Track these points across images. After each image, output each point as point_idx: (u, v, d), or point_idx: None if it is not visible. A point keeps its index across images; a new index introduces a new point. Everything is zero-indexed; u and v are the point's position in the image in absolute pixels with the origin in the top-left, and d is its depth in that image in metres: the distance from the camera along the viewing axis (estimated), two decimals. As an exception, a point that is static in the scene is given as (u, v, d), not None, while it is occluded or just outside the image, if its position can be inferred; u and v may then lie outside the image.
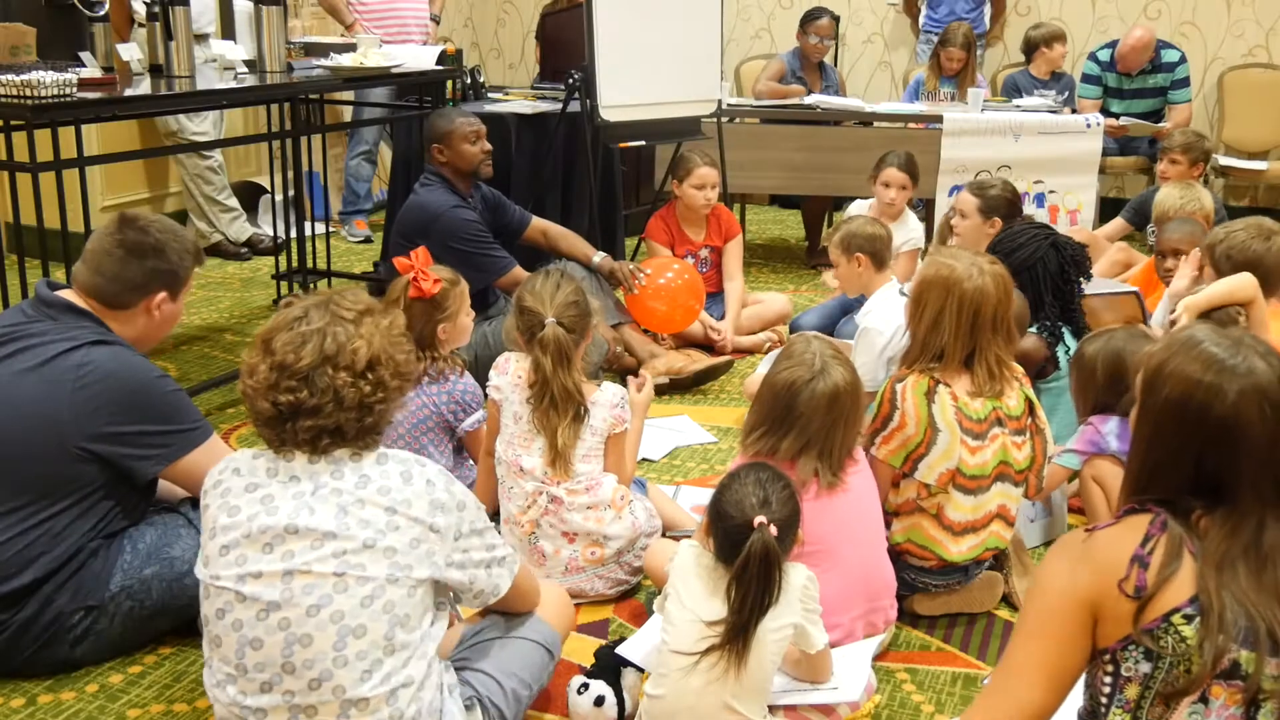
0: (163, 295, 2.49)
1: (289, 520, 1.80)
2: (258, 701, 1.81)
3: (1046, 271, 3.28)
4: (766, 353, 4.55)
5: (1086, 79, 6.57)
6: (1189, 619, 1.51)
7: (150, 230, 2.49)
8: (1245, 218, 3.46)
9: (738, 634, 2.05)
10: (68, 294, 2.46)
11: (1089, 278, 3.43)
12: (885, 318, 3.52)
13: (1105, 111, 6.40)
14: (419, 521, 1.84)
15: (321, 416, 1.81)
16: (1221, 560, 1.53)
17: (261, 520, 1.81)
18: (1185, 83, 6.47)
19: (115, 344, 2.42)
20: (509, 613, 2.17)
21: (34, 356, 2.35)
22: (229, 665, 1.82)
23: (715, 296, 4.77)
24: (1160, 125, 6.32)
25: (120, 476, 2.39)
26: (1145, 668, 1.54)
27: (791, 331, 4.64)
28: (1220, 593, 1.51)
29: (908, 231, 4.70)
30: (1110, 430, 2.83)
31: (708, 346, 4.59)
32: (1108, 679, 1.58)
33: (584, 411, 2.71)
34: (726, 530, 2.12)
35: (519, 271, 3.90)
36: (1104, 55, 6.53)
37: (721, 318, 4.69)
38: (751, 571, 2.05)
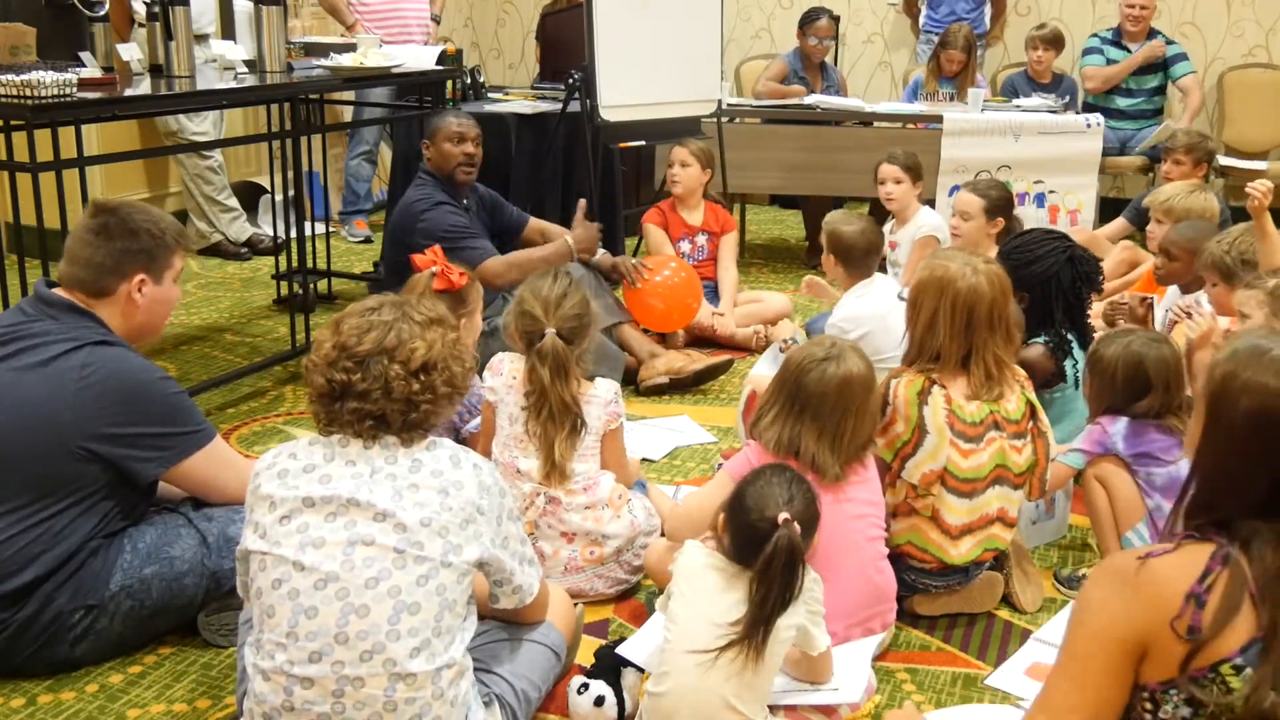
0: (141, 277, 2.46)
1: (351, 494, 1.87)
2: (305, 671, 1.83)
3: (1060, 287, 3.27)
4: (756, 347, 4.58)
5: (1089, 51, 6.64)
6: (1238, 670, 1.43)
7: (120, 212, 2.48)
8: (1238, 225, 3.52)
9: (756, 629, 2.05)
10: (67, 293, 2.46)
11: (1100, 292, 3.42)
12: (851, 316, 3.70)
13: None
14: (470, 502, 1.92)
15: (368, 401, 1.89)
16: None
17: (324, 491, 1.87)
18: (1184, 57, 6.53)
19: (118, 345, 2.42)
20: (519, 622, 2.21)
21: (36, 356, 2.35)
22: (279, 634, 1.85)
23: (710, 286, 4.83)
24: (1168, 125, 6.29)
25: (121, 477, 2.39)
26: (1185, 712, 1.47)
27: (808, 333, 4.70)
28: None
29: (917, 222, 4.72)
30: (1118, 432, 2.82)
31: (707, 344, 4.61)
32: (1147, 716, 1.51)
33: (581, 424, 2.69)
34: (749, 525, 2.12)
35: (492, 263, 3.86)
36: (1105, 34, 6.63)
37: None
38: (776, 567, 2.05)
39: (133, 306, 2.47)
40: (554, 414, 2.67)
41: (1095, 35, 6.72)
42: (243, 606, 2.18)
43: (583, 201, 4.21)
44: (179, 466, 2.43)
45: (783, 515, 2.08)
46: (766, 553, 2.05)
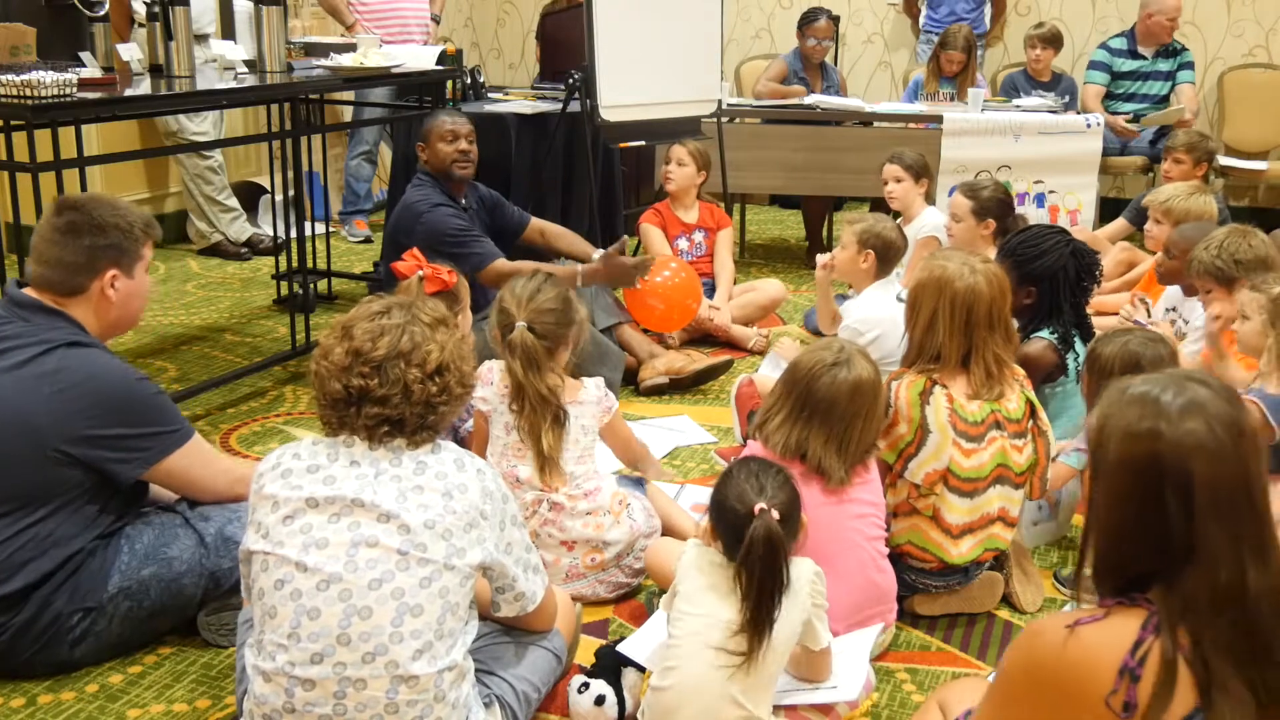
0: (113, 273, 2.42)
1: (355, 494, 1.86)
2: (306, 672, 1.83)
3: (1067, 280, 3.28)
4: (756, 349, 4.60)
5: (1095, 66, 6.54)
6: None
7: (86, 208, 2.43)
8: (1220, 229, 3.51)
9: (757, 625, 2.05)
10: (37, 293, 2.41)
11: (1099, 284, 3.44)
12: (866, 318, 3.66)
13: (1110, 98, 6.41)
14: (473, 506, 1.91)
15: (388, 406, 1.89)
16: (1219, 668, 1.37)
17: (328, 492, 1.87)
18: (1190, 66, 6.51)
19: (91, 345, 2.39)
20: (524, 630, 2.21)
21: (8, 360, 2.32)
22: (281, 635, 1.84)
23: (709, 283, 4.87)
24: (1180, 109, 6.24)
25: (104, 479, 2.37)
26: None
27: (806, 324, 4.78)
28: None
29: (920, 222, 4.73)
30: (1115, 430, 2.82)
31: (705, 340, 4.64)
32: None
33: (564, 415, 2.68)
34: (730, 525, 2.12)
35: (499, 264, 3.86)
36: (1116, 43, 6.52)
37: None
38: (756, 556, 2.05)
39: (106, 303, 2.44)
40: (534, 407, 2.66)
41: (1104, 46, 6.56)
42: (242, 606, 2.18)
43: (624, 239, 4.12)
44: (158, 467, 2.40)
45: (759, 505, 2.09)
46: (745, 544, 2.06)
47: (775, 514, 2.08)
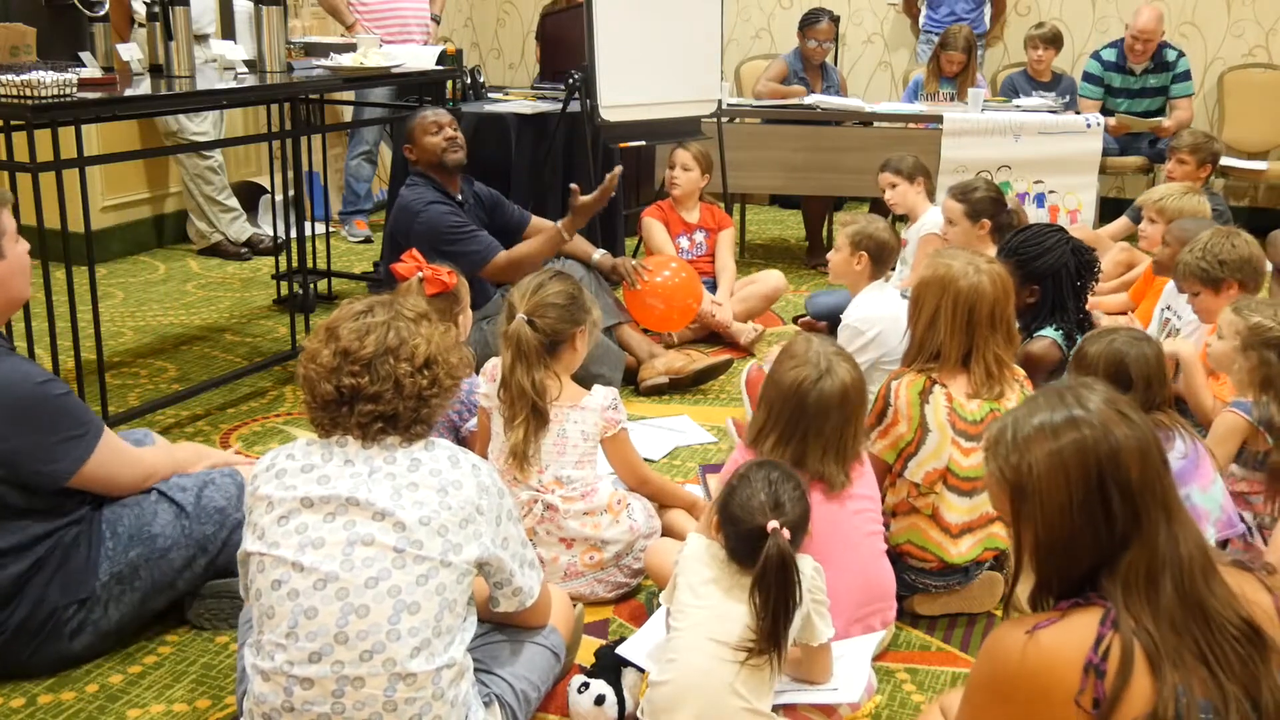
0: None
1: (349, 493, 1.87)
2: (305, 671, 1.83)
3: (1069, 276, 3.29)
4: (748, 345, 4.63)
5: (1088, 78, 6.53)
6: None
7: None
8: (1205, 231, 3.51)
9: (771, 640, 2.06)
10: None
11: (1097, 280, 3.46)
12: (866, 317, 3.67)
13: (1106, 112, 6.39)
14: (469, 502, 1.91)
15: (381, 403, 1.90)
16: (1165, 638, 1.42)
17: (322, 491, 1.87)
18: (1186, 77, 6.46)
19: None
20: (520, 625, 2.21)
21: None
22: (279, 635, 1.85)
23: (709, 282, 4.89)
24: (1159, 120, 6.30)
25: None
26: None
27: (808, 308, 4.79)
28: (1179, 691, 1.39)
29: (923, 220, 4.73)
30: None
31: (708, 341, 4.64)
32: None
33: (545, 414, 2.65)
34: (738, 534, 2.13)
35: (501, 258, 3.87)
36: (1108, 55, 6.50)
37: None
38: (770, 578, 2.06)
39: None
40: (514, 399, 2.65)
41: (1096, 57, 6.54)
42: (228, 593, 2.17)
43: (574, 187, 4.05)
44: (81, 473, 2.31)
45: (771, 524, 2.09)
46: (759, 566, 2.07)
47: (786, 534, 2.08)
